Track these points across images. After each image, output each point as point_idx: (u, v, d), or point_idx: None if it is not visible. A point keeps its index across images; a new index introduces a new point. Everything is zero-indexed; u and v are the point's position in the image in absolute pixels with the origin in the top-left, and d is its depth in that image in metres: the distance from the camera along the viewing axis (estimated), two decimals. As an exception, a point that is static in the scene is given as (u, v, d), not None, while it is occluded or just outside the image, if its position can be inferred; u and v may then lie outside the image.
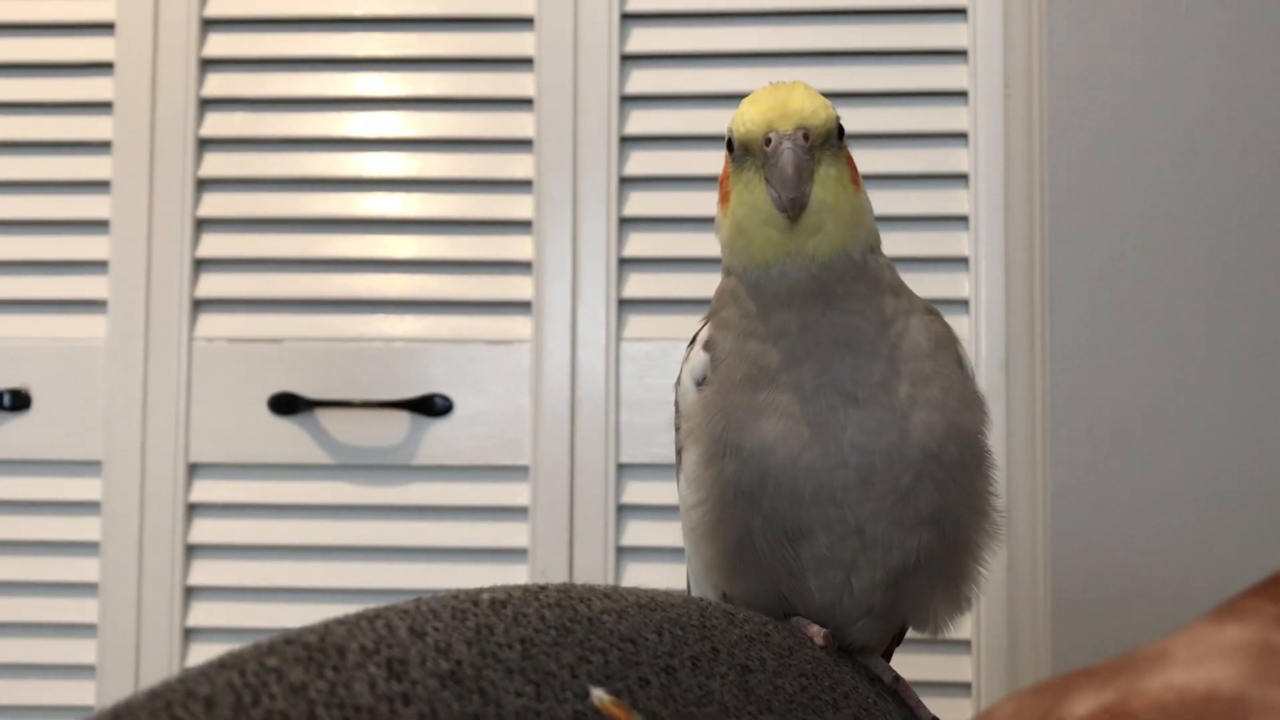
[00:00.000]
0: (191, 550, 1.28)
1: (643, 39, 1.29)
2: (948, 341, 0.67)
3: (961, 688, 1.22)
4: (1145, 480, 1.17)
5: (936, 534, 0.64)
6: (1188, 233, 1.19)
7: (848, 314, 0.63)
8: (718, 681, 0.52)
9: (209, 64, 1.33)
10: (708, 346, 0.68)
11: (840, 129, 0.64)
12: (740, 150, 0.64)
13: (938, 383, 0.64)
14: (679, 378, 0.71)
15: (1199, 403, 1.17)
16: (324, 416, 1.28)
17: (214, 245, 1.31)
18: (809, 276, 0.63)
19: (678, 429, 0.71)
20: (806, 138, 0.61)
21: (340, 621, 0.42)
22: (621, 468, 1.26)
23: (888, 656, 0.75)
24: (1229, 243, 1.19)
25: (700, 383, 0.68)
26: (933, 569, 0.65)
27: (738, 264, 0.66)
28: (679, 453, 0.71)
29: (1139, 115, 1.20)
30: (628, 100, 1.29)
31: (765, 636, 0.59)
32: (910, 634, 0.74)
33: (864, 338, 0.63)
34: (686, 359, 0.71)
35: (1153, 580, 1.16)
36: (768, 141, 0.62)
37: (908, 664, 0.77)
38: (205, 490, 1.29)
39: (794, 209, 0.61)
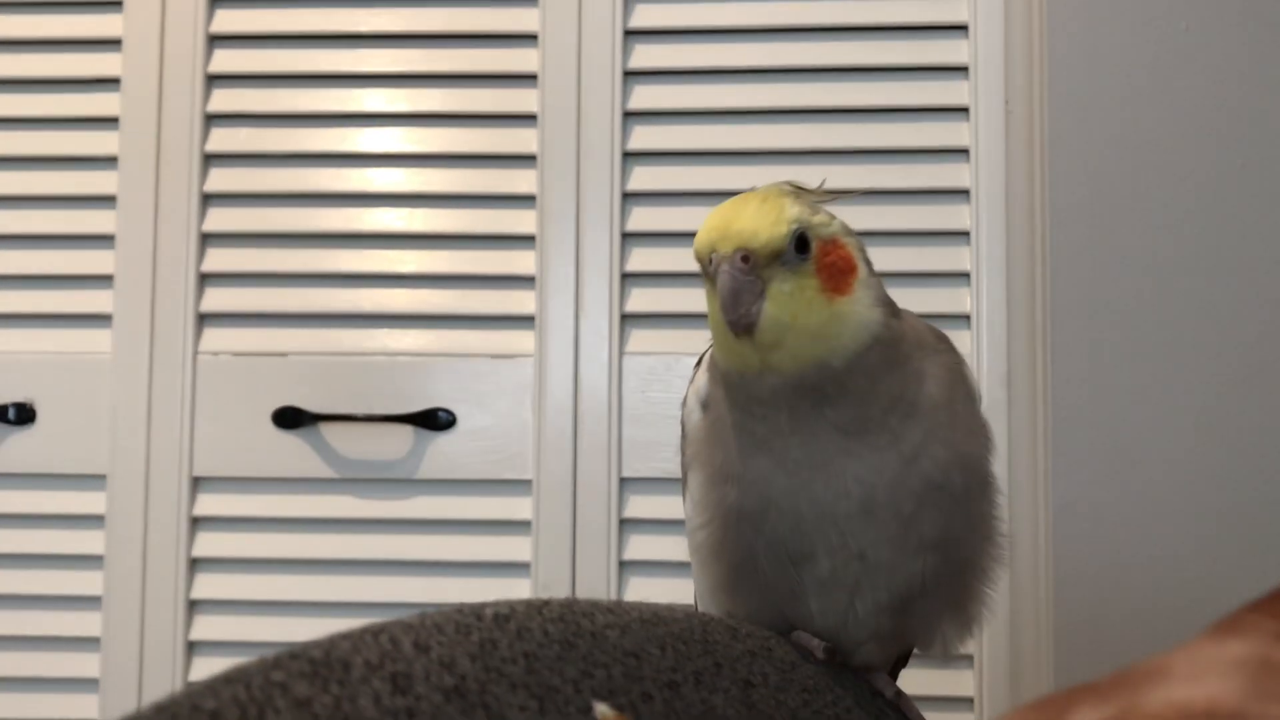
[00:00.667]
0: (195, 564, 1.28)
1: (646, 55, 1.30)
2: (959, 378, 0.67)
3: (964, 702, 1.22)
4: (1147, 496, 1.17)
5: (941, 558, 0.64)
6: (1188, 248, 1.19)
7: (845, 408, 0.62)
8: (720, 696, 0.53)
9: (215, 79, 1.33)
10: (712, 368, 0.68)
11: (802, 240, 0.61)
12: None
13: (948, 422, 0.64)
14: (685, 397, 0.71)
15: (1201, 418, 1.18)
16: (327, 430, 1.29)
17: (219, 260, 1.32)
18: (787, 385, 0.62)
19: (684, 450, 0.71)
20: (746, 259, 0.61)
21: (345, 636, 0.42)
22: (624, 482, 1.26)
23: (894, 675, 0.75)
24: (1230, 258, 1.19)
25: (705, 404, 0.68)
26: (939, 592, 0.65)
27: (720, 363, 0.65)
28: (685, 473, 0.71)
29: (1139, 131, 1.21)
30: (631, 116, 1.30)
31: (768, 651, 0.59)
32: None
33: (869, 423, 0.63)
34: (693, 380, 0.71)
35: (1154, 596, 1.16)
36: (710, 262, 0.62)
37: (910, 679, 0.77)
38: (209, 504, 1.29)
39: (736, 329, 0.61)
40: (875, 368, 0.62)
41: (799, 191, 0.65)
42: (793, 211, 0.62)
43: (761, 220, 0.61)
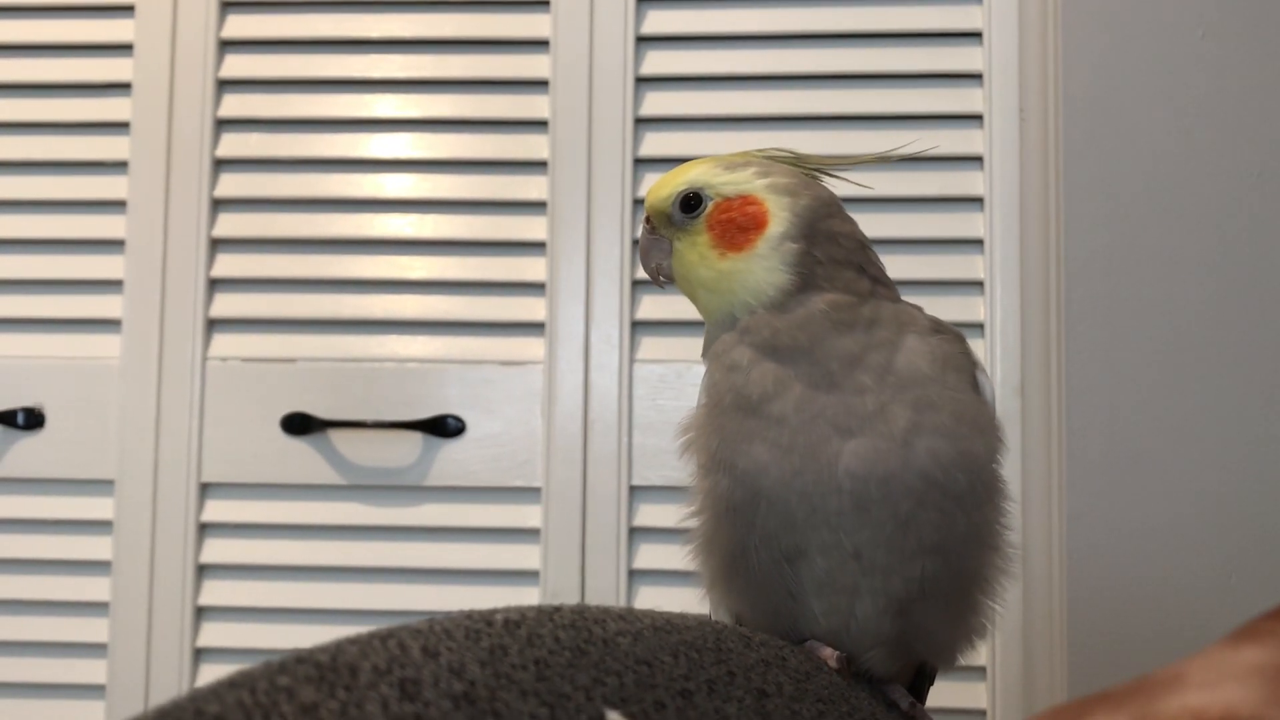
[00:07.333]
0: (203, 570, 1.28)
1: (658, 61, 1.30)
2: (959, 363, 0.65)
3: (977, 715, 1.21)
4: (1161, 506, 1.16)
5: (941, 563, 0.62)
6: (1204, 256, 1.18)
7: (793, 360, 0.63)
8: (734, 706, 0.52)
9: (226, 84, 1.33)
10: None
11: (692, 199, 0.67)
12: None
13: (946, 408, 0.62)
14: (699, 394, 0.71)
15: (1216, 428, 1.17)
16: (336, 437, 1.28)
17: (228, 265, 1.32)
18: (723, 331, 0.66)
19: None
20: (648, 220, 0.70)
21: (352, 641, 0.42)
22: (634, 490, 1.25)
23: (921, 691, 0.73)
24: (1247, 266, 1.18)
25: (708, 392, 0.67)
26: (939, 599, 0.63)
27: None
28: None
29: (1154, 138, 1.20)
30: (642, 122, 1.29)
31: (782, 661, 0.59)
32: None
33: (829, 378, 0.62)
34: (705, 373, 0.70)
35: (1169, 606, 1.15)
36: None
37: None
38: (217, 510, 1.29)
39: (654, 281, 0.71)
40: (811, 325, 0.63)
41: (778, 159, 0.68)
42: (692, 174, 0.68)
43: (661, 183, 0.69)
